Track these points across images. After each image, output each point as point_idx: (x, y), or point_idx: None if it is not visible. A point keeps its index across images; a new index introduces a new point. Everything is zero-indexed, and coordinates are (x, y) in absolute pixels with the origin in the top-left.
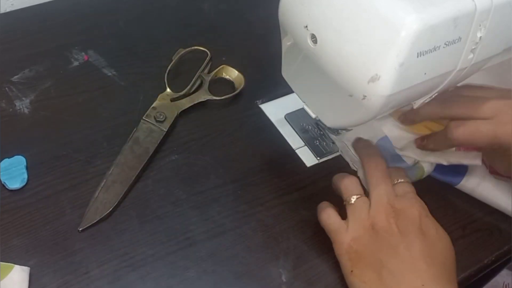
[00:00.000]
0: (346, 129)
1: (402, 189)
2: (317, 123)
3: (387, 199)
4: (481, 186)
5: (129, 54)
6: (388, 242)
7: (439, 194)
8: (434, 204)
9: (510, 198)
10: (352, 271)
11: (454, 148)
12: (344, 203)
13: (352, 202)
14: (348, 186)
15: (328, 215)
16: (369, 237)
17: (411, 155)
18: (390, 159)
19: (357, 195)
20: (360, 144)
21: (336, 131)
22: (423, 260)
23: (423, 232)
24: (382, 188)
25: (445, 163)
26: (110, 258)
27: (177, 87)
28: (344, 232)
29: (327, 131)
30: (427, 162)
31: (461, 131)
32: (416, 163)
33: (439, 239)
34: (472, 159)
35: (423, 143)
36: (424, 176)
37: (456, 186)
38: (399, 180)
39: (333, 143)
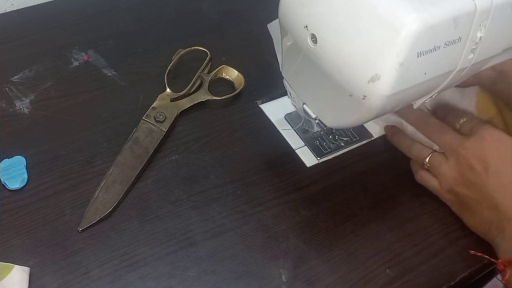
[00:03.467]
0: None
1: (468, 126)
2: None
3: (457, 143)
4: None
5: (129, 54)
6: (478, 183)
7: None
8: (434, 204)
9: None
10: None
11: None
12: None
13: (427, 162)
14: (420, 151)
15: (422, 178)
16: (459, 186)
17: None
18: None
19: (427, 156)
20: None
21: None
22: None
23: (502, 155)
24: (447, 137)
25: None
26: (110, 258)
27: (177, 87)
28: (440, 189)
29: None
30: None
31: None
32: None
33: None
34: None
35: None
36: None
37: None
38: (463, 120)
39: (333, 143)
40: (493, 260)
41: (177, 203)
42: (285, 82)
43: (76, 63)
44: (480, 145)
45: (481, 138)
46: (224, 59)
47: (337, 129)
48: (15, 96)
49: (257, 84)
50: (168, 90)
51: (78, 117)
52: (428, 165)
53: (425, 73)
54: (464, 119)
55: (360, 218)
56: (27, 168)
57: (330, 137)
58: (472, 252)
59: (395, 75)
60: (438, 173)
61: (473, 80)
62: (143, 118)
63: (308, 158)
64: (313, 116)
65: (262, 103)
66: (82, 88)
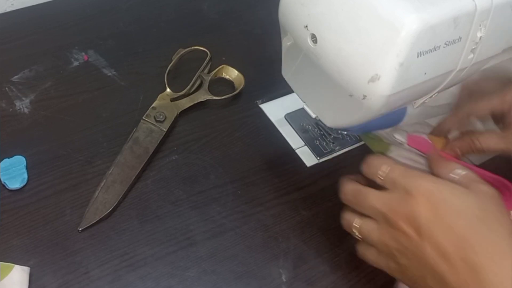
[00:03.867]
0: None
1: (390, 178)
2: (317, 123)
3: (381, 204)
4: None
5: (129, 54)
6: (413, 250)
7: None
8: None
9: None
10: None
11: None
12: None
13: (357, 233)
14: (348, 219)
15: (359, 253)
16: (395, 254)
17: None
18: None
19: (354, 224)
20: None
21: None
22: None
23: (435, 213)
24: (370, 200)
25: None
26: (110, 258)
27: (177, 87)
28: (378, 260)
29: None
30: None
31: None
32: None
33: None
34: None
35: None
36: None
37: None
38: (383, 170)
39: (333, 143)
40: None
41: (177, 203)
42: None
43: (76, 63)
44: (407, 204)
45: (408, 194)
46: (224, 59)
47: (337, 129)
48: (15, 96)
49: (257, 84)
50: (168, 90)
51: (78, 117)
52: (359, 236)
53: (425, 73)
54: (384, 168)
55: None
56: (27, 168)
57: (331, 137)
58: None
59: (395, 75)
60: (372, 243)
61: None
62: (143, 118)
63: (308, 158)
64: (313, 116)
65: (262, 103)
66: (82, 88)
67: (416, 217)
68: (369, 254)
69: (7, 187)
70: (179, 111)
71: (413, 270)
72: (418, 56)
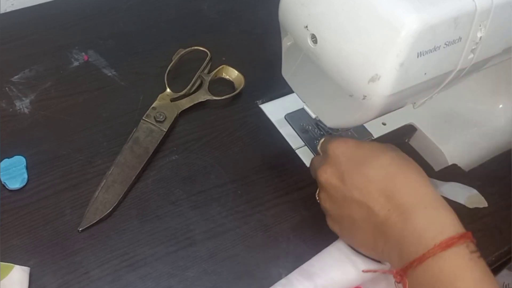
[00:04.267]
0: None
1: (322, 147)
2: (317, 124)
3: (316, 169)
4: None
5: (129, 54)
6: (343, 197)
7: None
8: None
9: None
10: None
11: None
12: None
13: (317, 197)
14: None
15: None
16: (334, 207)
17: None
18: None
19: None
20: None
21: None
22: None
23: (350, 159)
24: (312, 168)
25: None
26: (110, 258)
27: (177, 87)
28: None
29: None
30: None
31: None
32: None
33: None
34: None
35: None
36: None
37: None
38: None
39: None
40: (387, 272)
41: (177, 203)
42: None
43: (76, 63)
44: (330, 159)
45: (328, 151)
46: (224, 59)
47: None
48: (15, 96)
49: (257, 84)
50: (168, 90)
51: (78, 117)
52: (318, 199)
53: (425, 73)
54: (322, 140)
55: None
56: (27, 168)
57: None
58: (364, 271)
59: (395, 75)
60: (323, 209)
61: None
62: (143, 118)
63: (308, 158)
64: (313, 116)
65: (262, 103)
66: (82, 88)
67: (337, 169)
68: (328, 224)
69: (7, 187)
70: (179, 111)
71: (349, 219)
72: (418, 56)
